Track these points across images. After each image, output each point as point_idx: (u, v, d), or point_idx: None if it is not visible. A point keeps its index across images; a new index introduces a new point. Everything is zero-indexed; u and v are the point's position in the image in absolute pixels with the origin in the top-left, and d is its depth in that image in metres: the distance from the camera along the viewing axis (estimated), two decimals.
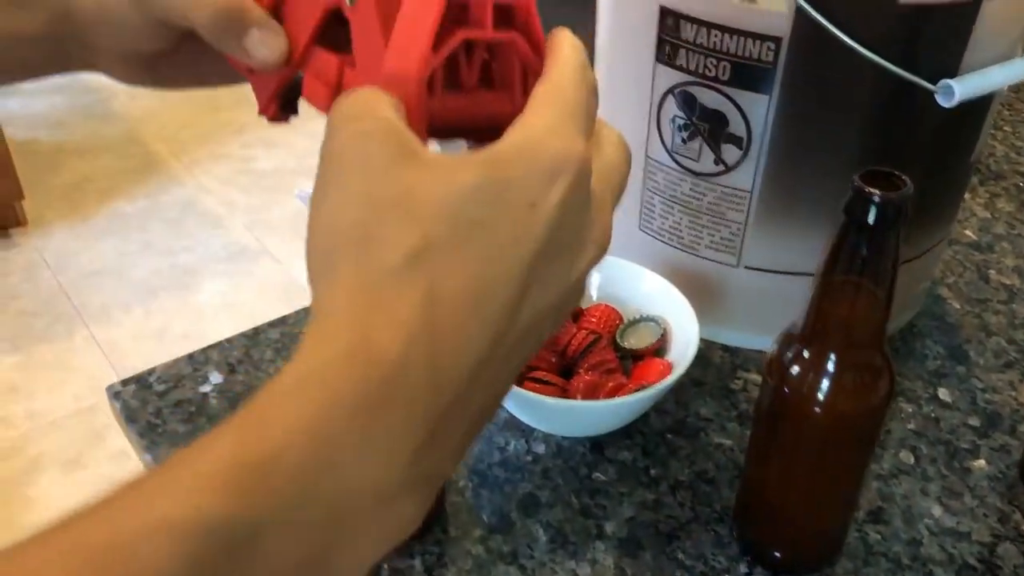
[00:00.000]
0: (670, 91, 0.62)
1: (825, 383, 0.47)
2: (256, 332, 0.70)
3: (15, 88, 2.96)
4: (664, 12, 0.59)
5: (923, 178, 0.51)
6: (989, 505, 0.59)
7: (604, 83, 0.59)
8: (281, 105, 0.42)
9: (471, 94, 0.35)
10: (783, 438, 0.51)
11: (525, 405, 0.60)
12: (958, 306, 0.76)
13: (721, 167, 0.62)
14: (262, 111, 0.42)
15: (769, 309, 0.67)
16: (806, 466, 0.51)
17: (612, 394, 0.59)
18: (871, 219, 0.42)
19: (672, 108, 0.62)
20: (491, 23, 0.34)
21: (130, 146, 2.76)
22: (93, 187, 2.58)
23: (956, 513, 0.58)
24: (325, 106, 0.38)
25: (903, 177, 0.43)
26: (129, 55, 0.44)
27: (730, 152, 0.61)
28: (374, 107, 0.30)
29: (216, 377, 0.66)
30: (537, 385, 0.61)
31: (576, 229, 0.30)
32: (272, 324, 0.71)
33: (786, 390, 0.48)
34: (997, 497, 0.59)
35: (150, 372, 0.66)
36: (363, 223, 0.28)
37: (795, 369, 0.48)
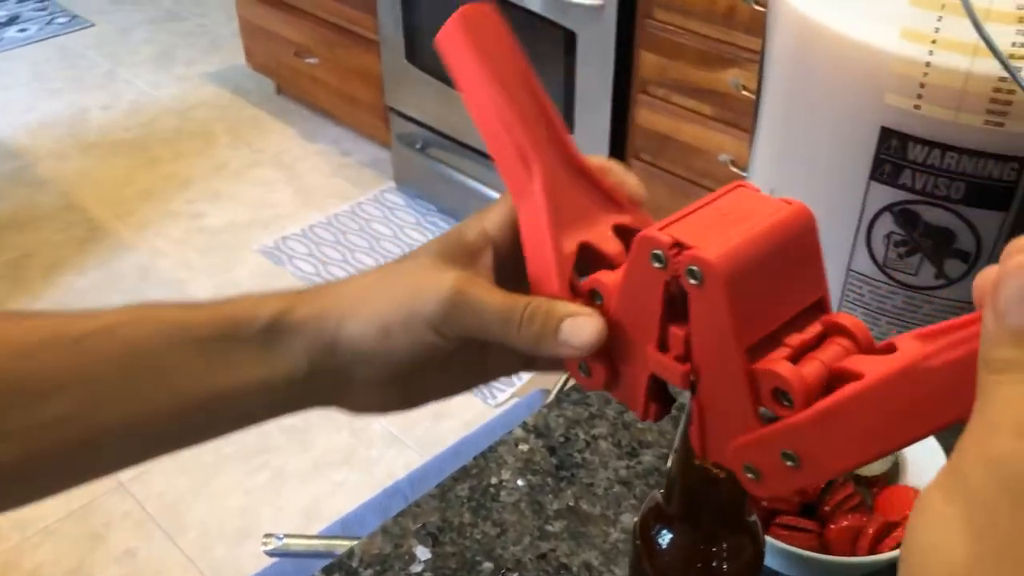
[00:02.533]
0: (886, 209, 0.60)
1: (684, 554, 0.44)
2: (443, 491, 0.65)
3: None
4: (886, 133, 0.57)
5: None
6: None
7: (802, 195, 0.56)
8: (658, 401, 0.39)
9: None
10: None
11: (782, 555, 0.57)
12: None
13: (942, 281, 0.60)
14: (643, 417, 0.39)
15: None
16: None
17: (877, 538, 0.57)
18: None
19: (887, 225, 0.60)
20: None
21: (69, 213, 2.60)
22: (37, 262, 2.42)
23: None
24: (683, 383, 0.36)
25: None
26: (393, 380, 0.40)
27: (954, 266, 0.59)
28: None
29: (423, 552, 0.61)
30: (787, 532, 0.58)
31: None
32: (456, 479, 0.66)
33: (650, 555, 0.44)
34: None
35: (349, 555, 0.61)
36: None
37: (658, 537, 0.44)
